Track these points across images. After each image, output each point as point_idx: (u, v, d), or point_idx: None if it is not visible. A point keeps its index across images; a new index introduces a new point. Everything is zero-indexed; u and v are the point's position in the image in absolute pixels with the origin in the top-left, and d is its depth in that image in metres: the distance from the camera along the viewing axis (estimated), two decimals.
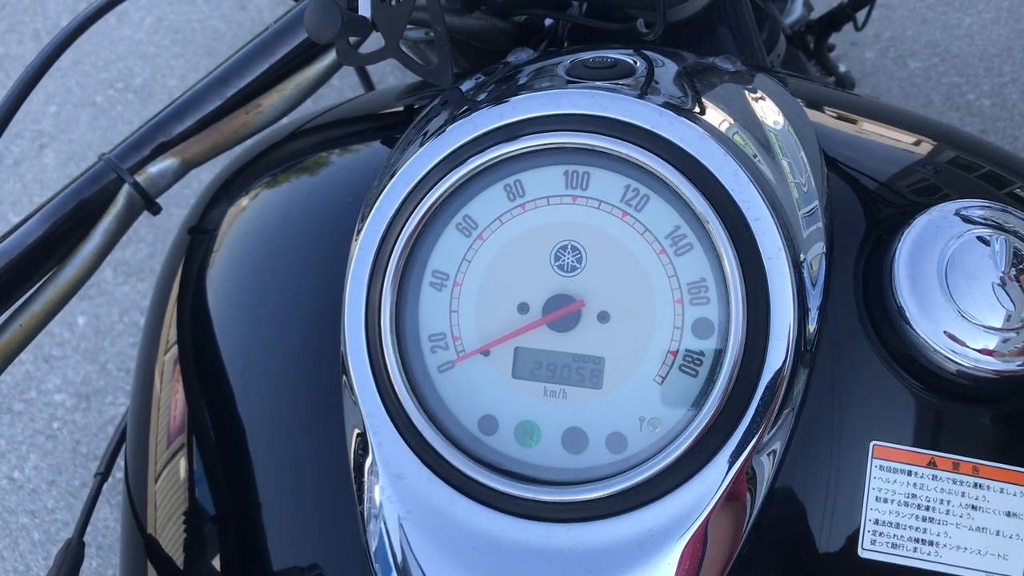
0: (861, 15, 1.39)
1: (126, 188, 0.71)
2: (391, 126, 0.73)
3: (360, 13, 0.59)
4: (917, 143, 0.66)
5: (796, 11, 1.48)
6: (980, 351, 0.52)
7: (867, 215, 0.59)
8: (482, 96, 0.60)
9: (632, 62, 0.61)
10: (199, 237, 0.75)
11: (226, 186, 0.76)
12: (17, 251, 0.67)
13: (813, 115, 0.67)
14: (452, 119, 0.57)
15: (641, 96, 0.55)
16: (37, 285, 0.69)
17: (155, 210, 0.73)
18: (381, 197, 0.56)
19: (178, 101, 0.72)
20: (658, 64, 0.62)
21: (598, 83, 0.57)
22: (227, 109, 0.72)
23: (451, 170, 0.55)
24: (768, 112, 0.61)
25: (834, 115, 0.68)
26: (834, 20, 1.41)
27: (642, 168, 0.54)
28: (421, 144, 0.57)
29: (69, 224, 0.70)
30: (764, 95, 0.63)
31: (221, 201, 0.75)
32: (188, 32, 2.53)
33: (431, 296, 0.57)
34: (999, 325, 0.52)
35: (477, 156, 0.55)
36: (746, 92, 0.62)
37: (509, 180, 0.56)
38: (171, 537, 0.67)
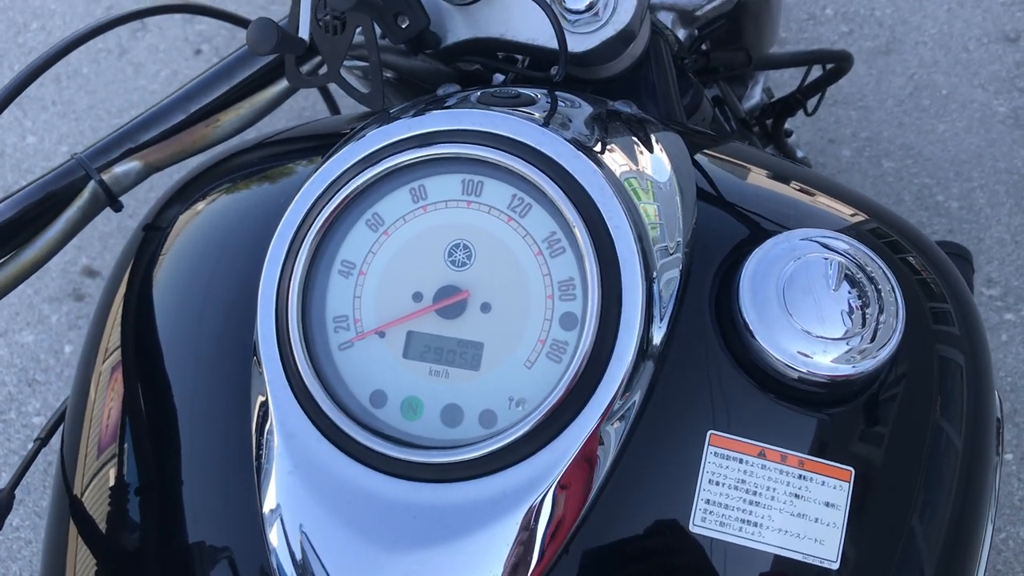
0: (814, 102, 1.49)
1: (92, 184, 0.79)
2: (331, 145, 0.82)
3: (299, 34, 0.68)
4: (797, 188, 0.75)
5: (755, 96, 1.59)
6: (812, 359, 0.59)
7: (729, 241, 0.67)
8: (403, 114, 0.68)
9: (533, 95, 0.69)
10: (152, 234, 0.83)
11: (183, 189, 0.84)
12: None
13: (709, 160, 0.75)
14: (369, 128, 0.65)
15: (534, 121, 0.63)
16: (1, 260, 0.77)
17: (117, 207, 0.81)
18: (300, 192, 0.64)
19: (146, 112, 0.81)
20: (563, 103, 0.71)
21: (496, 107, 0.65)
22: (189, 122, 0.81)
23: (362, 171, 0.63)
24: (651, 156, 0.69)
25: (728, 162, 0.76)
26: (788, 105, 1.51)
27: (526, 179, 0.61)
28: (340, 148, 0.65)
29: (36, 212, 0.78)
30: (656, 140, 0.71)
31: (176, 203, 0.83)
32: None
33: (339, 282, 0.64)
34: (829, 336, 0.59)
35: (386, 160, 0.63)
36: (633, 135, 0.70)
37: (414, 184, 0.64)
38: (95, 501, 0.73)
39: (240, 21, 1.03)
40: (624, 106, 0.74)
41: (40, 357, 2.19)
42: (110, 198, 0.81)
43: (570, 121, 0.68)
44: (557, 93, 0.74)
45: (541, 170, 0.61)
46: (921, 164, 2.40)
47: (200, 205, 0.82)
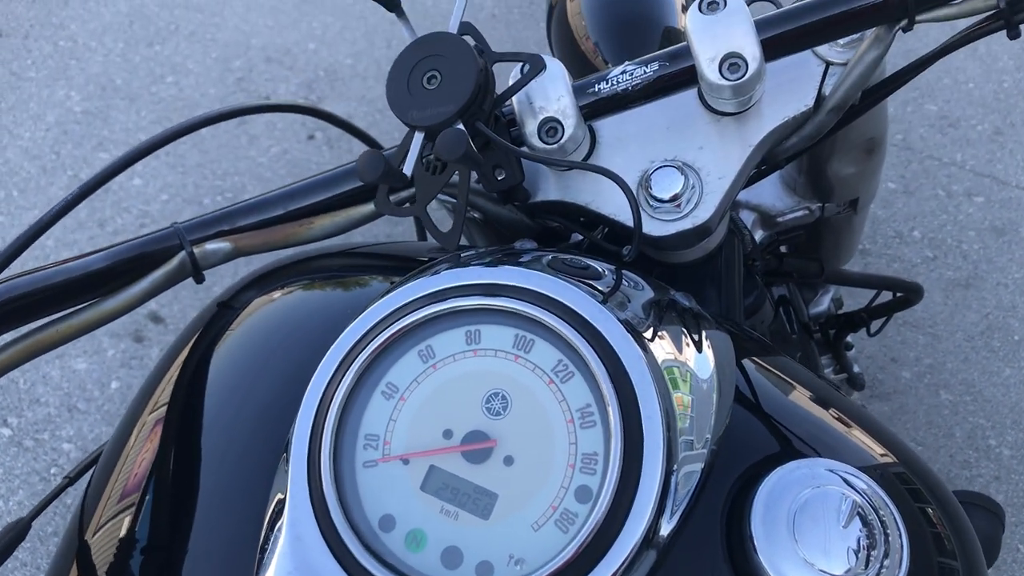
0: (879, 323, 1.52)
1: (183, 254, 0.85)
2: (405, 269, 0.87)
3: (404, 170, 0.74)
4: (834, 415, 0.77)
5: (823, 304, 1.62)
6: None
7: (756, 451, 0.69)
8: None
9: (600, 270, 0.73)
10: (224, 311, 0.88)
11: (263, 277, 0.90)
12: (78, 273, 0.81)
13: (755, 367, 0.78)
14: (442, 267, 0.70)
15: (594, 296, 0.67)
16: (83, 305, 0.82)
17: (200, 279, 0.87)
18: (364, 312, 0.68)
19: (249, 201, 0.88)
20: (627, 282, 0.75)
21: (564, 274, 0.69)
22: (285, 218, 0.87)
23: (424, 306, 0.67)
24: (697, 351, 0.72)
25: (773, 374, 0.79)
26: (852, 322, 1.53)
27: (574, 349, 0.65)
28: (410, 279, 0.70)
29: (127, 267, 0.84)
30: (706, 337, 0.74)
31: (253, 288, 0.89)
32: (304, 168, 2.79)
33: (379, 402, 0.68)
34: (830, 571, 0.60)
35: (449, 301, 0.67)
36: (685, 327, 0.73)
37: (470, 327, 0.68)
38: (102, 549, 0.76)
39: (353, 130, 1.10)
40: (684, 298, 0.78)
41: (87, 387, 2.26)
42: (195, 270, 0.86)
43: (628, 301, 0.72)
44: (624, 272, 0.78)
45: (589, 343, 0.64)
46: (980, 404, 2.38)
47: (275, 295, 0.87)
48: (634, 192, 0.87)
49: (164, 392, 0.84)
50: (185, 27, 3.17)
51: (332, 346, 0.68)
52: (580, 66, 1.27)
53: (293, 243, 0.87)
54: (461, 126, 0.74)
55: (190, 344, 0.87)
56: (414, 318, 0.67)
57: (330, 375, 0.67)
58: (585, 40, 1.25)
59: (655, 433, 0.61)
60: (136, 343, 2.31)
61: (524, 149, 0.86)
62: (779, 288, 1.46)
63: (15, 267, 0.80)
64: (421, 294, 0.68)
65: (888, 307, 1.45)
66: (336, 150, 2.84)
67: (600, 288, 0.70)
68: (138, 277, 0.85)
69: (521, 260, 0.74)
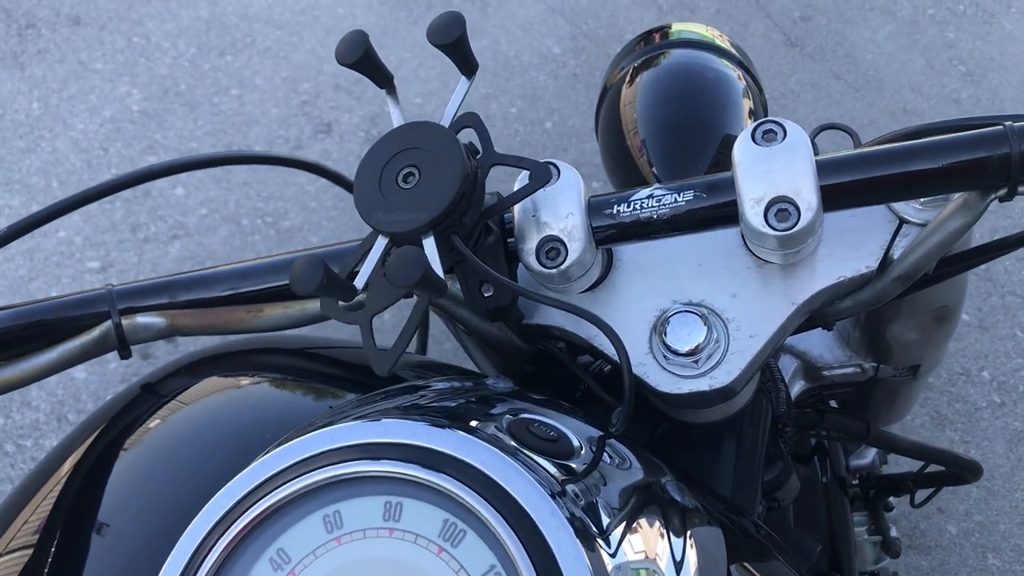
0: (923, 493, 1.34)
1: (107, 324, 0.73)
2: (360, 385, 0.73)
3: (356, 282, 0.60)
4: None
5: (866, 457, 1.44)
6: None
7: None
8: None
9: (576, 446, 0.58)
10: (145, 396, 0.75)
11: (196, 364, 0.77)
12: None
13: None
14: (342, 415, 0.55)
15: (547, 488, 0.52)
16: None
17: (124, 355, 0.75)
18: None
19: (195, 274, 0.75)
20: (608, 457, 0.60)
21: (526, 446, 0.55)
22: (233, 300, 0.74)
23: (320, 467, 0.53)
24: (675, 552, 0.57)
25: None
26: (895, 486, 1.36)
27: (504, 549, 0.50)
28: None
29: (40, 330, 0.72)
30: (691, 535, 0.59)
31: (183, 375, 0.76)
32: (349, 205, 2.69)
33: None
34: None
35: (359, 463, 0.53)
36: (666, 522, 0.58)
37: (390, 498, 0.54)
38: None
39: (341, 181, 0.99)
40: (674, 489, 0.62)
41: (81, 397, 2.17)
42: (122, 344, 0.74)
43: (604, 484, 0.57)
44: (611, 442, 0.63)
45: (523, 543, 0.50)
46: None
47: (206, 388, 0.74)
48: (646, 335, 0.72)
49: (63, 478, 0.72)
50: (261, 42, 3.12)
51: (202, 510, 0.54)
52: (620, 162, 1.13)
53: (236, 330, 0.74)
54: (431, 240, 0.61)
55: (103, 427, 0.75)
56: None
57: (195, 544, 0.53)
58: (633, 134, 1.11)
59: None
60: (143, 360, 2.22)
61: (520, 277, 0.73)
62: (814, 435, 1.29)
63: None
64: (312, 452, 0.54)
65: (939, 479, 1.28)
66: None
67: (558, 474, 0.55)
68: (49, 344, 0.72)
69: (481, 413, 0.60)
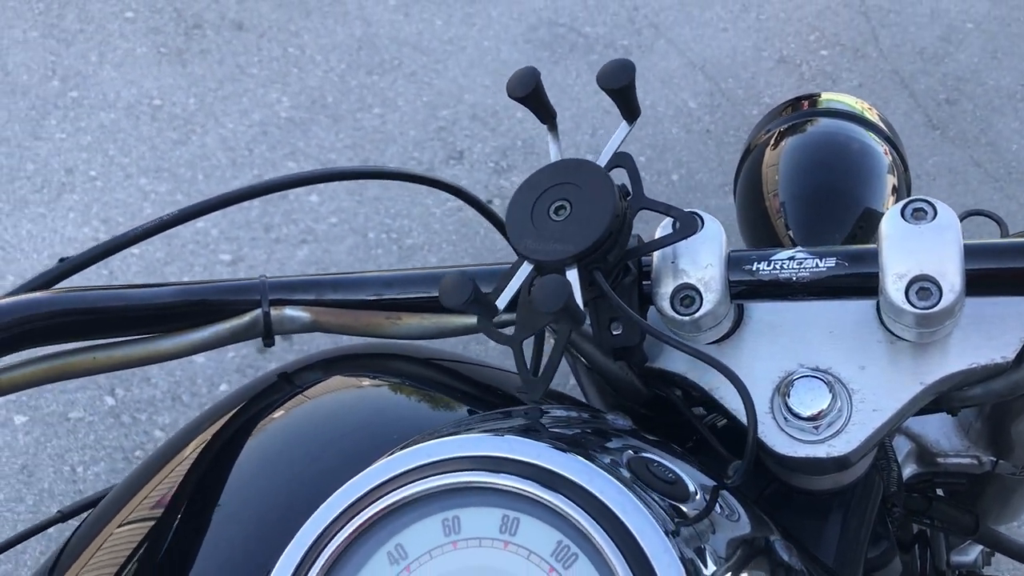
0: None
1: (258, 312, 0.78)
2: (482, 401, 0.76)
3: (497, 303, 0.63)
4: None
5: (970, 555, 1.39)
6: None
7: None
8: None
9: (691, 490, 0.60)
10: (281, 385, 0.80)
11: (334, 361, 0.81)
12: (141, 302, 0.75)
13: None
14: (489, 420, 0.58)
15: (664, 528, 0.54)
16: (133, 338, 0.76)
17: (268, 343, 0.79)
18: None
19: (344, 276, 0.79)
20: (720, 508, 0.61)
21: (644, 484, 0.56)
22: (374, 305, 0.78)
23: (437, 475, 0.55)
24: None
25: None
26: None
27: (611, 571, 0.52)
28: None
29: (194, 309, 0.77)
30: None
31: (320, 369, 0.80)
32: (473, 231, 2.75)
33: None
34: None
35: (475, 473, 0.55)
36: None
37: (508, 511, 0.56)
38: None
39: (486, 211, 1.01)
40: (784, 550, 0.63)
41: (197, 381, 2.27)
42: (267, 332, 0.78)
43: (712, 532, 0.58)
44: (723, 494, 0.64)
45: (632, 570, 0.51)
46: None
47: (339, 386, 0.78)
48: (768, 395, 0.73)
49: (191, 455, 0.76)
50: (408, 66, 3.23)
51: (333, 494, 0.57)
52: (756, 221, 1.13)
53: (373, 334, 0.78)
54: (575, 272, 0.63)
55: (236, 409, 0.79)
56: (425, 486, 0.55)
57: (319, 531, 0.56)
58: (772, 196, 1.12)
59: None
60: (258, 352, 2.31)
61: (650, 320, 0.74)
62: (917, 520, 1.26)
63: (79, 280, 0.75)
64: (457, 454, 0.57)
65: None
66: None
67: (674, 516, 0.56)
68: (203, 324, 0.77)
69: (600, 445, 0.62)
